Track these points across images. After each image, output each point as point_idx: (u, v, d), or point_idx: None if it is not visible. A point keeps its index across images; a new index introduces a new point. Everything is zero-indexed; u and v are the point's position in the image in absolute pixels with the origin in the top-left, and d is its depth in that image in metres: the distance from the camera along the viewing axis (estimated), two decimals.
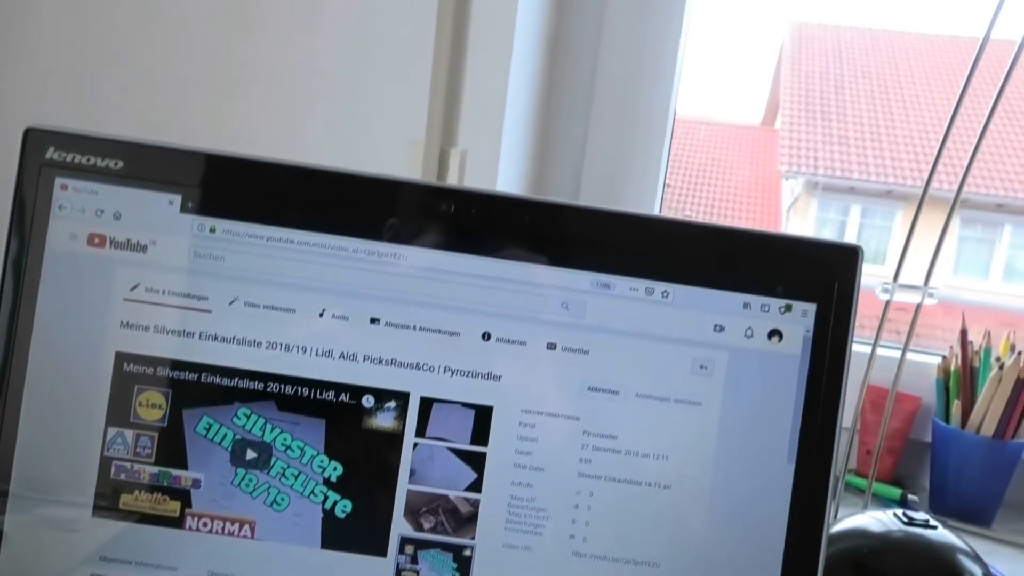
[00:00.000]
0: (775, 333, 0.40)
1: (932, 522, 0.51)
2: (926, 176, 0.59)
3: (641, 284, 0.40)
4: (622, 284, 0.40)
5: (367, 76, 0.76)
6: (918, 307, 0.58)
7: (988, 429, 0.73)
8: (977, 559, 0.49)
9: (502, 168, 0.76)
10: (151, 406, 0.40)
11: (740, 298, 0.40)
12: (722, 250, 0.40)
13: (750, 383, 0.40)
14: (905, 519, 0.51)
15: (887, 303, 0.58)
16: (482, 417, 0.40)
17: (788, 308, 0.40)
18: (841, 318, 0.40)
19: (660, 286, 0.40)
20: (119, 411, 0.39)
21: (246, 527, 0.39)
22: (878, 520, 0.52)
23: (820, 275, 0.40)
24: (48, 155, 0.40)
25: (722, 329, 0.40)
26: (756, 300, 0.40)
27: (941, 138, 0.59)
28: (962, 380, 0.76)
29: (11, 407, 0.39)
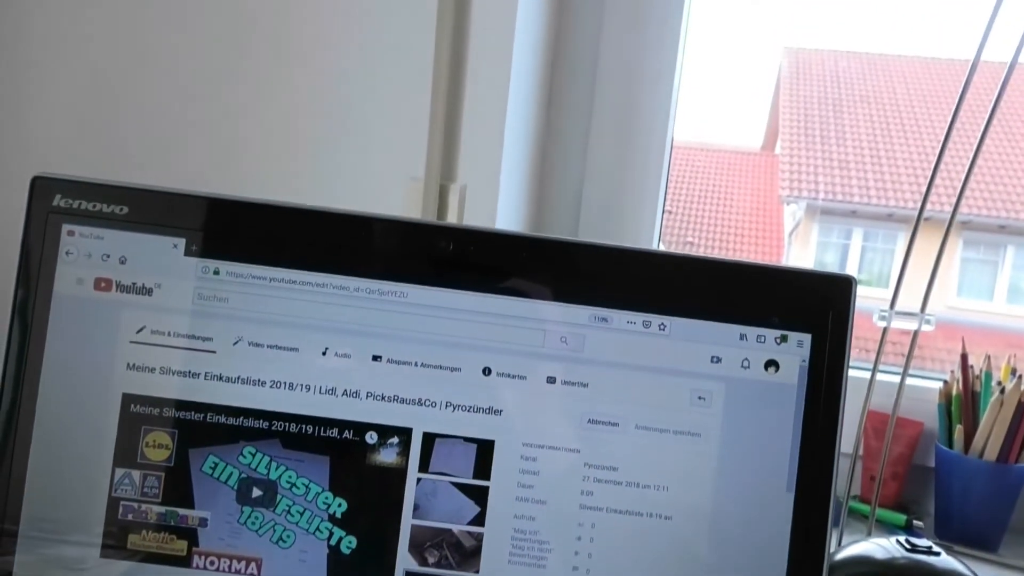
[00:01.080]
0: (772, 363, 0.40)
1: (935, 548, 0.51)
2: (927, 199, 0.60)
3: (638, 317, 0.40)
4: (619, 318, 0.40)
5: (367, 115, 0.77)
6: (915, 334, 0.58)
7: (991, 454, 0.73)
8: None
9: (501, 202, 0.77)
10: (158, 446, 0.40)
11: (736, 329, 0.40)
12: (717, 282, 0.41)
13: (748, 413, 0.40)
14: (908, 546, 0.51)
15: (884, 330, 0.58)
16: (484, 451, 0.40)
17: (784, 339, 0.40)
18: (836, 347, 0.40)
19: (657, 319, 0.40)
20: (126, 452, 0.40)
21: (253, 565, 0.40)
22: (881, 547, 0.52)
23: (814, 305, 0.40)
24: (55, 202, 0.41)
25: (719, 360, 0.40)
26: (752, 331, 0.40)
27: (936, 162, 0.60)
28: (964, 405, 0.76)
29: (20, 448, 0.40)
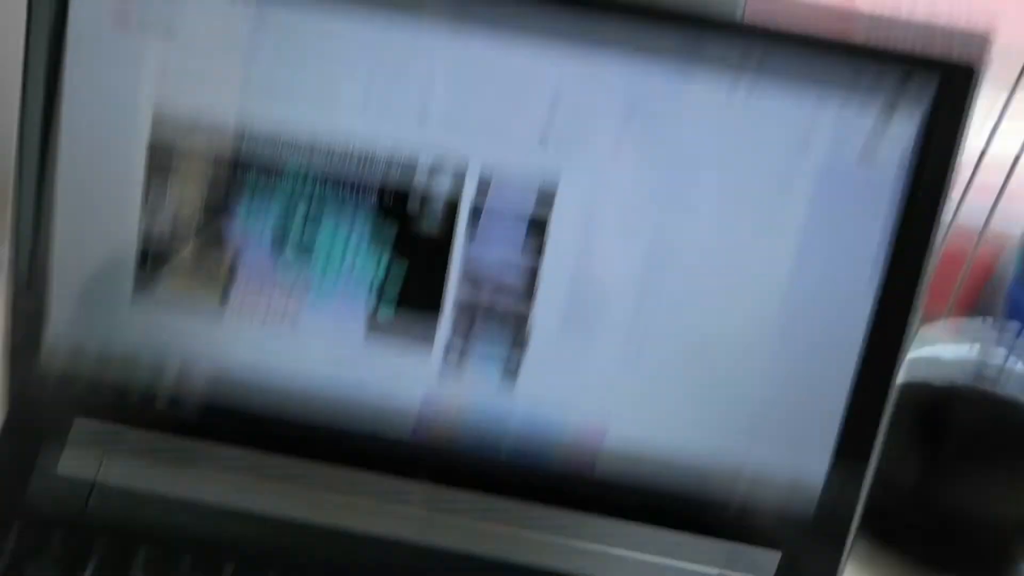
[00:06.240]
0: (890, 106, 0.35)
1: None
2: None
3: (725, 75, 0.35)
4: (704, 74, 0.35)
5: None
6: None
7: None
8: None
9: None
10: (192, 181, 0.37)
11: (839, 90, 0.35)
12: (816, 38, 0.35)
13: (844, 182, 0.36)
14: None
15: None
16: (544, 198, 0.36)
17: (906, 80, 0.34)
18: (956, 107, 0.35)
19: (745, 78, 0.35)
20: (158, 187, 0.37)
21: (288, 311, 0.37)
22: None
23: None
24: None
25: (816, 124, 0.35)
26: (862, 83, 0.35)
27: None
28: None
29: (47, 182, 0.37)
